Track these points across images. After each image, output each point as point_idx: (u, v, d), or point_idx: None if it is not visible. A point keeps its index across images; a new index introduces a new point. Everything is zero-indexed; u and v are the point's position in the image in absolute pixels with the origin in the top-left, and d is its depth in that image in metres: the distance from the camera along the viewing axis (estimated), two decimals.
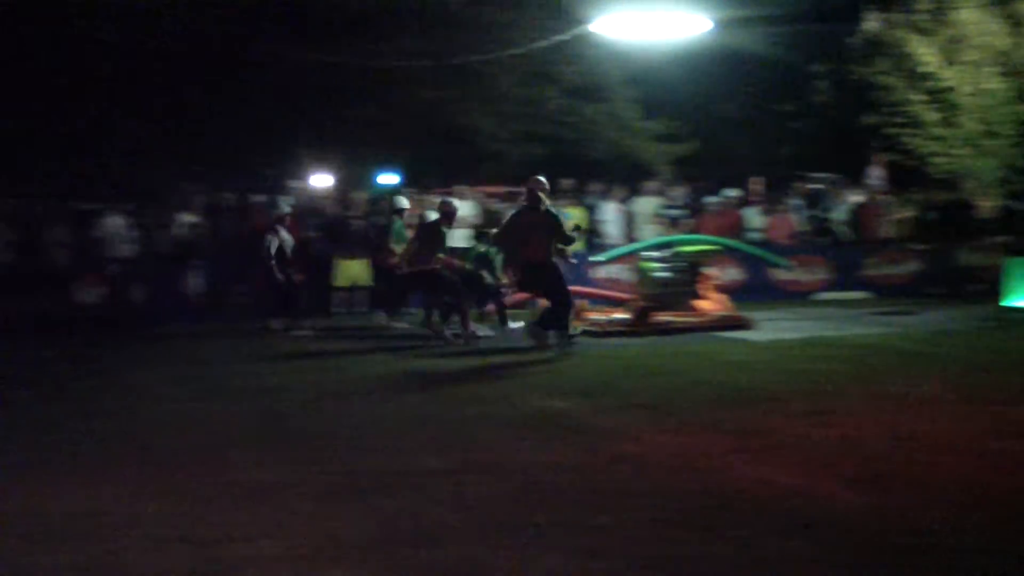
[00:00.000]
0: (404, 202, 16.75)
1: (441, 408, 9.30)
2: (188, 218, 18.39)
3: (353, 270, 17.94)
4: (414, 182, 23.56)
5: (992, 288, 17.89)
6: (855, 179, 22.52)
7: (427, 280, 14.41)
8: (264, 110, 23.30)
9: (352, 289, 18.09)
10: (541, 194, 13.02)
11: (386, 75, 23.35)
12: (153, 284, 17.56)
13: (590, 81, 27.47)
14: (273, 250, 15.40)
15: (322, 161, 26.98)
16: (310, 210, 19.31)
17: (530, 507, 6.04)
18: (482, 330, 14.56)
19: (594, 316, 15.06)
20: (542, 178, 13.28)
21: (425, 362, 12.40)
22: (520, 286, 14.32)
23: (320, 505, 6.19)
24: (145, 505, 6.22)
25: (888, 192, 22.60)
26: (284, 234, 15.67)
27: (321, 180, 27.00)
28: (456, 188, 18.64)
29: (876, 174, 22.91)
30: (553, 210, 13.24)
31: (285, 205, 16.53)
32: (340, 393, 10.22)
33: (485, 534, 5.58)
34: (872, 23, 27.74)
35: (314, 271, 17.06)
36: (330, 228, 18.47)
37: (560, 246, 13.06)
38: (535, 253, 12.84)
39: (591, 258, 17.82)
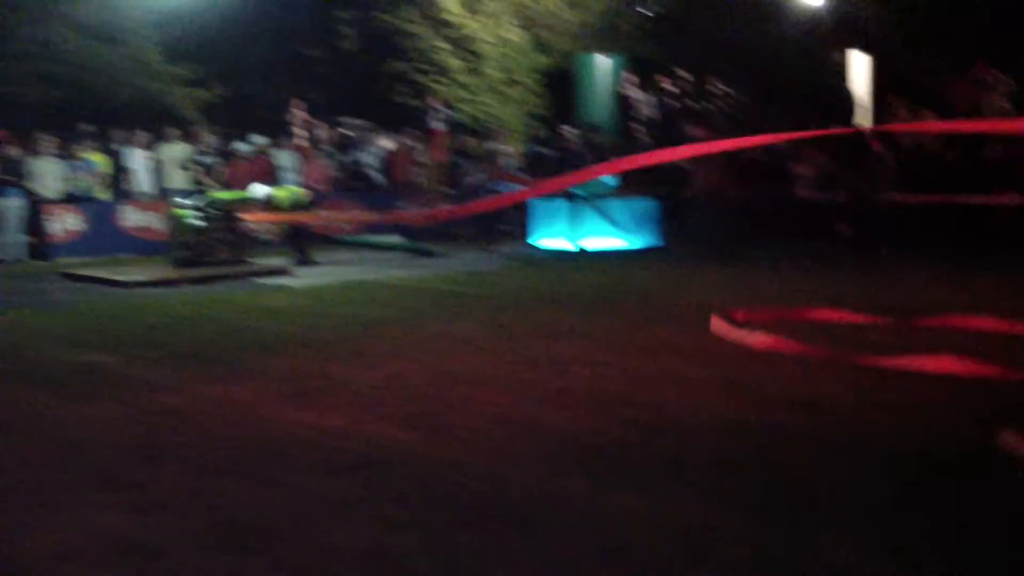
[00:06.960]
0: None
1: None
2: None
3: None
4: None
5: (520, 229, 18.78)
6: (385, 125, 22.85)
7: None
8: None
9: None
10: None
11: None
12: None
13: (109, 22, 26.30)
14: None
15: None
16: None
17: (69, 466, 5.65)
18: None
19: None
20: None
21: None
22: None
23: None
24: None
25: (452, 132, 23.09)
26: None
27: None
28: None
29: (439, 116, 23.33)
30: None
31: None
32: None
33: (21, 498, 5.15)
34: None
35: None
36: None
37: None
38: None
39: None
